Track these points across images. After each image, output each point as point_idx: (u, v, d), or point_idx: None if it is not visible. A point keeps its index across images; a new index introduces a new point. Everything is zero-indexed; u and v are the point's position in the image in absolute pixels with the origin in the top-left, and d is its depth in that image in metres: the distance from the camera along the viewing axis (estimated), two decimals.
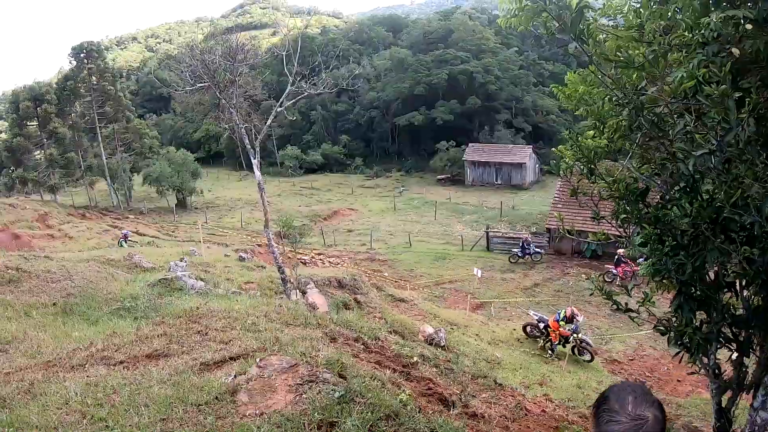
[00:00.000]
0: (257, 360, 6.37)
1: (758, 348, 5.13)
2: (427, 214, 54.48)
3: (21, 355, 8.42)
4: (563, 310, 18.95)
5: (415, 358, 9.27)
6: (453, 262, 36.14)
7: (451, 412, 7.47)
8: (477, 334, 19.32)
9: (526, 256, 34.43)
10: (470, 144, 74.66)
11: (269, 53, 22.49)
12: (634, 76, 4.12)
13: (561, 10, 3.84)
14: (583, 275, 30.50)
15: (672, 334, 5.18)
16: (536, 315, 20.52)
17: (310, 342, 7.59)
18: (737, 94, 3.61)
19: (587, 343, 19.05)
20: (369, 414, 5.37)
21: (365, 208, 60.60)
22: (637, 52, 3.98)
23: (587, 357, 18.91)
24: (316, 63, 18.08)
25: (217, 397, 5.71)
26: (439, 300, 27.93)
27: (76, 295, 12.36)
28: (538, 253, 34.56)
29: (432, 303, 24.93)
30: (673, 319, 5.14)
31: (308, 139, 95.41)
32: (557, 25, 3.90)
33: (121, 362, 7.37)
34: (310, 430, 4.98)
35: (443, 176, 75.54)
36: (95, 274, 14.37)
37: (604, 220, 5.44)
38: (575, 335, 18.56)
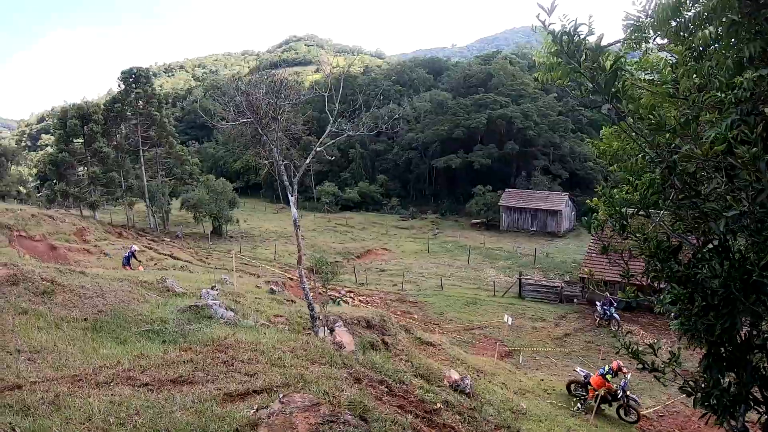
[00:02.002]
0: (280, 395, 6.40)
1: None
2: (460, 257, 54.18)
3: (48, 366, 8.56)
4: (608, 365, 18.32)
5: (439, 405, 9.18)
6: (484, 307, 35.73)
7: None
8: (503, 383, 19.00)
9: (607, 316, 31.46)
10: (506, 189, 74.55)
11: (312, 90, 22.89)
12: (667, 135, 4.14)
13: (595, 71, 3.89)
14: (612, 328, 29.89)
15: (699, 395, 5.07)
16: (583, 372, 19.66)
17: (334, 381, 7.60)
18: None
19: (636, 402, 18.37)
20: None
21: (399, 248, 60.56)
22: (669, 114, 4.00)
23: (632, 418, 18.14)
24: (358, 104, 18.31)
25: (237, 430, 5.74)
26: (468, 345, 27.60)
27: (107, 313, 12.56)
28: (616, 318, 30.93)
29: (460, 348, 24.64)
30: (701, 379, 5.04)
31: (346, 177, 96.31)
32: (591, 86, 3.94)
33: (146, 384, 7.47)
34: None
35: (478, 220, 75.30)
36: (127, 294, 14.59)
37: (634, 278, 5.40)
38: (624, 392, 17.80)
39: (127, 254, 29.66)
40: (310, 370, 8.16)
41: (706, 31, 3.89)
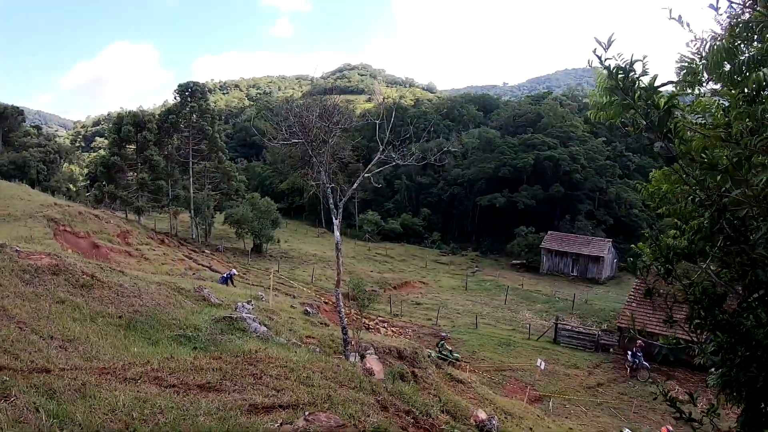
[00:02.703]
0: (306, 413, 6.37)
1: None
2: (497, 297, 53.54)
3: (78, 356, 8.73)
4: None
5: None
6: (517, 349, 35.16)
7: None
8: (530, 428, 18.57)
9: (636, 364, 31.20)
10: (549, 232, 73.60)
11: (363, 118, 23.13)
12: (719, 177, 4.04)
13: (649, 108, 3.85)
14: (649, 380, 29.03)
15: None
16: None
17: (361, 406, 7.53)
18: None
19: None
20: None
21: (436, 283, 60.18)
22: (721, 153, 3.92)
23: None
24: (407, 134, 18.42)
25: None
26: (498, 386, 27.17)
27: (142, 313, 12.79)
28: (645, 367, 30.95)
29: (490, 388, 24.25)
30: None
31: (389, 207, 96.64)
32: (644, 123, 3.90)
33: (173, 386, 7.52)
34: None
35: (518, 261, 74.53)
36: (164, 298, 14.84)
37: (677, 324, 5.25)
38: None
39: (225, 275, 30.28)
40: (338, 392, 8.11)
41: (760, 74, 3.81)
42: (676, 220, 5.33)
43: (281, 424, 6.17)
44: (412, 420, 8.59)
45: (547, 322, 42.44)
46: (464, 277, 62.56)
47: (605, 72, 4.32)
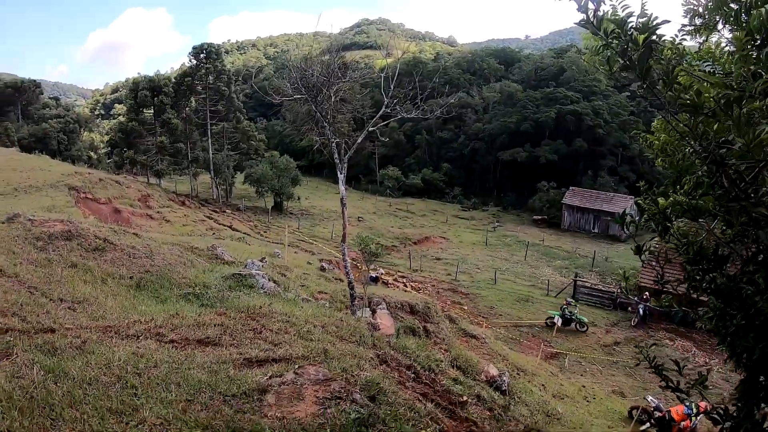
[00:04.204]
0: (295, 366, 6.35)
1: None
2: (517, 253, 53.33)
3: (86, 316, 8.90)
4: (694, 404, 15.99)
5: (465, 397, 8.97)
6: (535, 306, 35.03)
7: None
8: (543, 385, 18.58)
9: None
10: (571, 188, 72.68)
11: (384, 71, 22.78)
12: (715, 126, 3.75)
13: (626, 45, 3.56)
14: (666, 341, 28.83)
15: (727, 424, 4.67)
16: (655, 402, 17.79)
17: (357, 360, 7.51)
18: None
19: None
20: None
21: (457, 238, 60.06)
22: (708, 96, 3.62)
23: None
24: (427, 89, 18.07)
25: (245, 393, 5.80)
26: (514, 342, 27.16)
27: (152, 273, 12.96)
28: (640, 318, 31.90)
29: (504, 344, 24.27)
30: (733, 408, 4.62)
31: (410, 162, 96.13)
32: (621, 62, 3.62)
33: (173, 341, 7.70)
34: None
35: (539, 217, 73.93)
36: (176, 258, 14.96)
37: (669, 285, 5.00)
38: None
39: (373, 276, 30.82)
40: (336, 346, 8.10)
41: (761, 11, 3.48)
42: (675, 175, 5.06)
43: (270, 377, 6.17)
44: (413, 375, 8.56)
45: (567, 278, 42.20)
46: (485, 233, 62.35)
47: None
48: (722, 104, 3.38)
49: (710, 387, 22.80)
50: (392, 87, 15.15)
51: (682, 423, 16.11)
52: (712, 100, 3.52)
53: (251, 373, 6.43)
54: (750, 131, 3.25)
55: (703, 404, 16.04)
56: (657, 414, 16.94)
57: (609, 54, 3.71)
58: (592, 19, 3.56)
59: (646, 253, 4.76)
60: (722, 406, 4.52)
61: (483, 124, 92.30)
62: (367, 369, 7.21)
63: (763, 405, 4.33)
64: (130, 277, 12.33)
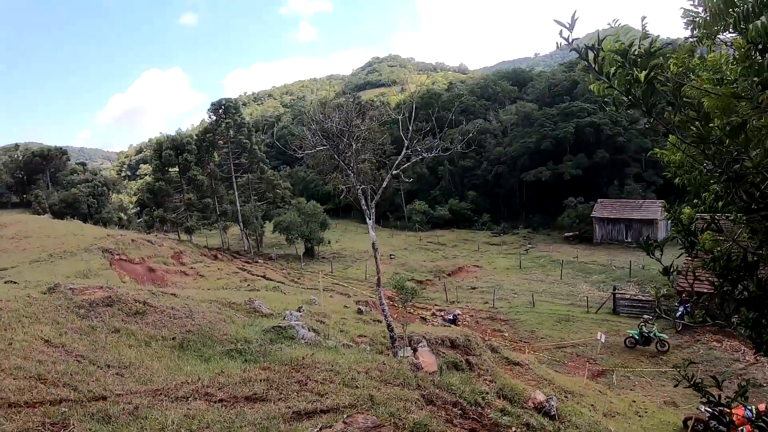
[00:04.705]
0: (344, 416, 6.45)
1: None
2: (552, 273, 52.85)
3: (134, 381, 9.06)
4: (755, 406, 14.79)
5: (514, 428, 8.94)
6: (576, 324, 34.61)
7: None
8: (592, 405, 18.28)
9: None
10: (599, 200, 72.10)
11: (396, 110, 23.09)
12: (727, 142, 3.84)
13: (630, 84, 3.69)
14: (714, 342, 28.21)
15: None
16: (709, 411, 16.41)
17: (404, 403, 7.57)
18: None
19: None
20: None
21: (490, 265, 59.74)
22: (714, 125, 3.72)
23: None
24: (446, 120, 18.30)
25: None
26: (559, 365, 26.80)
27: (194, 332, 13.13)
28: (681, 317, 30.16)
29: (550, 368, 23.97)
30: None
31: (435, 194, 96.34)
32: (626, 100, 3.75)
33: (221, 400, 7.79)
34: None
35: (570, 234, 73.29)
36: (215, 315, 15.16)
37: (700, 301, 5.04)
38: None
39: (451, 317, 31.42)
40: (382, 391, 8.17)
41: (758, 22, 3.59)
42: (695, 191, 5.14)
43: (321, 428, 6.27)
44: (460, 412, 8.58)
45: (605, 293, 41.65)
46: (518, 256, 61.94)
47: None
48: (728, 131, 3.50)
49: (764, 384, 22.27)
50: (411, 128, 15.36)
51: (742, 428, 15.58)
52: (717, 129, 3.63)
53: (301, 426, 6.53)
54: (758, 152, 3.36)
55: (762, 406, 15.58)
56: (713, 423, 16.32)
57: (614, 94, 3.84)
58: (593, 65, 3.72)
59: (674, 273, 4.82)
60: (759, 410, 4.51)
61: (503, 147, 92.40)
62: (414, 411, 7.28)
63: None
64: (173, 338, 12.53)
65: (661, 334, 28.73)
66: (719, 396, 4.55)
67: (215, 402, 7.81)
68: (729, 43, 4.68)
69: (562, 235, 74.42)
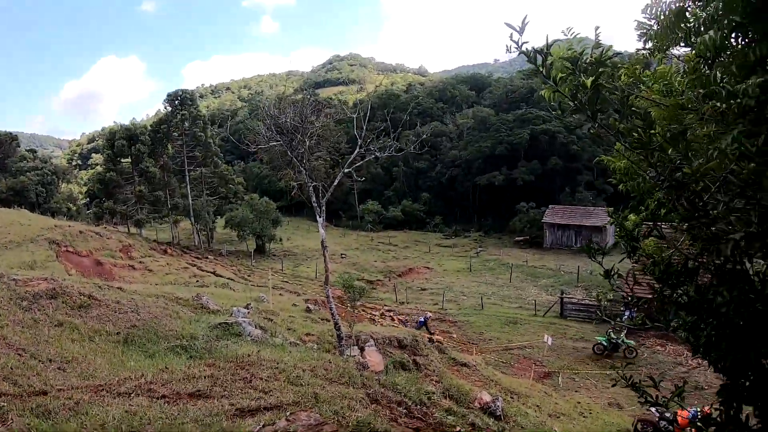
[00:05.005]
0: (287, 414, 6.39)
1: None
2: (502, 276, 53.59)
3: (76, 376, 8.86)
4: (699, 407, 16.29)
5: (458, 428, 9.01)
6: (524, 327, 35.13)
7: None
8: (538, 406, 18.56)
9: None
10: (550, 206, 73.42)
11: (354, 109, 23.08)
12: (669, 151, 3.93)
13: (576, 90, 3.75)
14: (658, 347, 29.02)
15: (712, 429, 4.76)
16: (658, 413, 17.72)
17: (348, 401, 7.55)
18: None
19: None
20: None
21: (441, 267, 60.22)
22: (655, 131, 3.81)
23: None
24: (402, 121, 18.38)
25: None
26: (505, 366, 27.17)
27: (139, 328, 12.88)
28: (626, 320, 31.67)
29: (496, 369, 24.26)
30: (716, 412, 4.73)
31: (389, 195, 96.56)
32: (572, 104, 3.81)
33: (164, 396, 7.66)
34: None
35: (521, 238, 74.41)
36: (161, 310, 14.90)
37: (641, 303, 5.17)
38: None
39: (422, 319, 30.77)
40: (327, 389, 8.14)
41: (706, 37, 3.69)
42: (638, 197, 5.24)
43: (263, 426, 6.20)
44: (405, 411, 8.60)
45: (553, 297, 42.41)
46: (468, 259, 62.63)
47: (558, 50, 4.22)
48: (669, 138, 3.58)
49: (706, 387, 23.00)
50: (365, 127, 15.35)
51: (688, 429, 15.92)
52: (659, 136, 3.71)
53: (244, 423, 6.46)
54: (697, 161, 3.44)
55: (707, 408, 16.02)
56: (663, 423, 16.66)
57: (560, 98, 3.89)
58: (541, 69, 3.76)
59: (615, 276, 4.93)
60: (703, 412, 4.62)
61: (458, 151, 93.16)
62: (359, 409, 7.26)
63: (747, 407, 4.45)
64: (117, 333, 12.26)
65: (629, 341, 29.12)
66: (657, 396, 4.66)
67: (158, 398, 7.67)
68: (680, 58, 4.80)
69: (513, 239, 75.50)
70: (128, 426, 6.40)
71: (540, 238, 72.26)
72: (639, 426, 17.69)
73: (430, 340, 27.78)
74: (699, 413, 13.73)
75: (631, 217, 5.18)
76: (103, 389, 7.99)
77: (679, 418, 15.67)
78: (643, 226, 5.15)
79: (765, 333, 3.89)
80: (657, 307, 4.71)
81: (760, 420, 4.53)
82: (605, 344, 28.91)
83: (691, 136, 4.04)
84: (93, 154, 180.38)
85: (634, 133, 3.69)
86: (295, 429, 5.97)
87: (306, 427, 6.01)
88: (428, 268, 59.65)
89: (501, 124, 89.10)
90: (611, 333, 29.35)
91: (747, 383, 4.41)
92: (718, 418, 4.60)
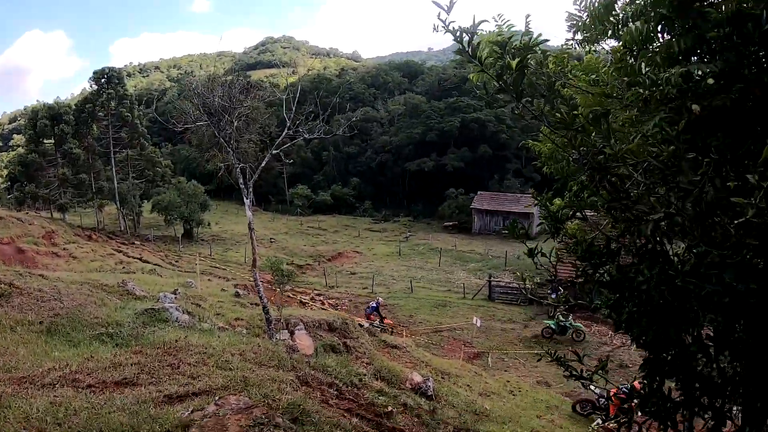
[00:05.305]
0: (216, 398, 6.32)
1: (738, 417, 4.85)
2: (431, 260, 54.23)
3: None
4: (629, 383, 16.93)
5: (390, 408, 9.11)
6: (453, 310, 35.74)
7: None
8: (468, 385, 18.97)
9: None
10: (479, 192, 74.70)
11: (286, 92, 22.72)
12: (592, 135, 4.05)
13: (502, 70, 3.83)
14: (584, 328, 30.11)
15: (636, 400, 4.97)
16: (598, 391, 17.27)
17: (278, 384, 7.52)
18: (690, 155, 3.51)
19: None
20: None
21: (370, 251, 60.43)
22: (578, 112, 3.94)
23: None
24: (332, 105, 18.26)
25: (169, 431, 5.70)
26: (436, 348, 27.59)
27: (63, 316, 12.46)
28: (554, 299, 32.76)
29: (427, 351, 24.60)
30: (640, 385, 4.93)
31: (319, 180, 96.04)
32: (497, 84, 3.89)
33: (90, 386, 7.47)
34: None
35: (450, 223, 75.43)
36: (85, 298, 14.44)
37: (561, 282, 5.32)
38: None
39: (373, 304, 30.18)
40: (256, 373, 8.08)
41: (632, 26, 3.82)
42: (562, 180, 5.39)
43: (192, 411, 6.11)
44: (336, 392, 8.64)
45: (481, 280, 43.23)
46: (398, 243, 63.07)
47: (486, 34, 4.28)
48: (591, 119, 3.70)
49: (630, 365, 24.03)
50: (294, 108, 15.19)
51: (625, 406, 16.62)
52: (581, 117, 3.83)
53: (172, 409, 6.36)
54: (617, 143, 3.57)
55: (638, 384, 16.83)
56: (602, 401, 17.34)
57: (485, 79, 3.95)
58: (467, 49, 3.80)
59: (539, 255, 5.07)
60: (627, 384, 4.83)
61: (389, 136, 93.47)
62: (289, 392, 7.25)
63: (669, 379, 4.66)
64: (40, 323, 11.82)
65: (577, 324, 29.42)
66: (582, 370, 4.84)
67: (83, 388, 7.47)
68: (607, 51, 4.94)
69: (442, 225, 76.42)
70: (53, 418, 6.23)
71: (468, 224, 73.42)
72: (578, 407, 18.28)
73: (383, 326, 28.42)
74: (627, 389, 14.45)
75: (556, 201, 5.32)
76: (26, 381, 7.76)
77: (613, 398, 16.49)
78: (567, 209, 5.30)
79: (683, 309, 4.07)
80: (580, 285, 4.87)
81: (682, 392, 4.76)
82: (554, 328, 29.40)
83: (613, 119, 4.18)
84: (14, 135, 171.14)
85: (557, 114, 3.79)
86: (225, 413, 5.91)
87: (235, 410, 5.95)
88: (358, 252, 59.80)
89: (432, 111, 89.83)
90: (560, 317, 29.86)
91: (668, 358, 4.63)
92: (642, 391, 4.83)
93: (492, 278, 41.07)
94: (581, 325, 29.42)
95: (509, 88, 3.76)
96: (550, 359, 4.98)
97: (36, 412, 6.31)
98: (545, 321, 30.92)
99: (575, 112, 3.88)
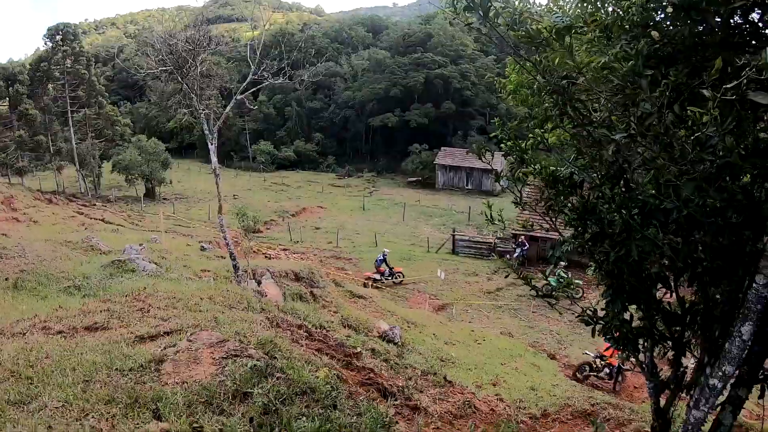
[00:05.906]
0: (188, 334, 6.38)
1: (696, 347, 5.00)
2: (395, 215, 54.52)
3: None
4: (597, 351, 17.56)
5: (359, 349, 9.29)
6: (418, 263, 36.12)
7: (388, 402, 7.48)
8: (434, 334, 19.32)
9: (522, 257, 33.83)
10: (442, 148, 74.81)
11: (246, 46, 22.40)
12: (556, 60, 4.11)
13: None
14: (543, 281, 30.67)
15: (597, 326, 5.16)
16: (593, 354, 18.12)
17: (249, 324, 7.62)
18: (649, 72, 3.59)
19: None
20: (284, 388, 5.40)
21: (334, 206, 60.36)
22: (542, 26, 4.00)
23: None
24: (295, 58, 18.05)
25: (142, 365, 5.80)
26: (401, 300, 27.94)
27: (28, 272, 12.42)
28: (523, 255, 34.20)
29: (392, 302, 24.94)
30: (602, 311, 5.09)
31: (282, 135, 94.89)
32: (465, 2, 3.92)
33: (60, 332, 7.51)
34: (225, 399, 5.00)
35: (414, 179, 75.65)
36: (50, 253, 14.37)
37: (530, 208, 5.46)
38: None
39: (380, 256, 30.73)
40: (226, 314, 8.17)
41: None
42: (527, 111, 5.47)
43: (165, 347, 6.18)
44: (306, 333, 8.77)
45: (445, 234, 43.68)
46: (362, 198, 63.05)
47: None
48: (554, 33, 3.77)
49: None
50: (258, 55, 14.99)
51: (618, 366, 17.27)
52: (545, 30, 3.89)
53: (145, 347, 6.41)
54: (580, 57, 3.66)
55: (608, 349, 17.30)
56: (599, 361, 17.56)
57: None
58: None
59: (504, 178, 5.18)
60: (591, 309, 5.01)
61: (353, 92, 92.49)
62: (260, 331, 7.34)
63: (630, 306, 4.86)
64: (6, 279, 11.77)
65: (577, 281, 29.32)
66: (543, 287, 5.01)
67: (54, 334, 7.49)
68: None
69: (406, 180, 76.62)
70: (25, 361, 6.24)
71: (432, 180, 73.69)
72: (578, 373, 18.39)
73: (394, 273, 30.91)
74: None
75: (530, 141, 5.42)
76: None
77: (609, 359, 17.15)
78: (530, 136, 5.39)
79: (641, 232, 4.20)
80: (544, 208, 5.00)
81: (642, 317, 4.96)
82: (554, 285, 29.31)
83: (577, 46, 4.26)
84: None
85: (522, 31, 3.85)
86: (198, 347, 5.99)
87: (208, 345, 6.03)
88: (322, 207, 59.70)
89: (396, 66, 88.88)
90: (561, 273, 29.83)
91: (627, 286, 4.81)
92: (603, 315, 5.02)
93: (456, 233, 41.50)
94: (581, 282, 28.50)
95: (477, 6, 3.80)
96: (516, 276, 5.14)
97: (8, 357, 6.29)
98: (547, 278, 30.97)
99: (540, 26, 3.94)
